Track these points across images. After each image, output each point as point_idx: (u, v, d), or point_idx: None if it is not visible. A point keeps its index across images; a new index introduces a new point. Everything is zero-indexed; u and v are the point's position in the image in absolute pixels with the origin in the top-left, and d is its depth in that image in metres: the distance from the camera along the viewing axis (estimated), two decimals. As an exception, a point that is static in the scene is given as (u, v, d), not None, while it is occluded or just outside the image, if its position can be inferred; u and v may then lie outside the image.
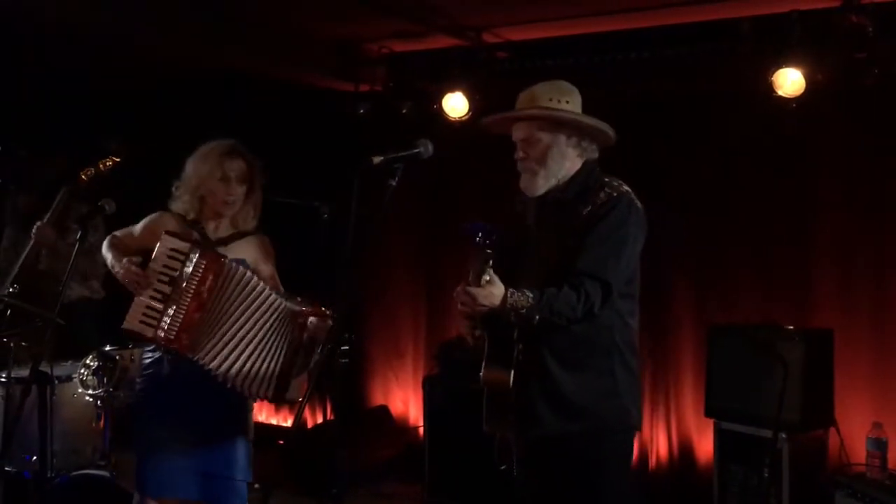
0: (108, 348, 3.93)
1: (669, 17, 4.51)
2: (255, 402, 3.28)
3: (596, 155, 2.77)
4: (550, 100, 2.66)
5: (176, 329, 3.03)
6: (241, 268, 3.10)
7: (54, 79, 5.13)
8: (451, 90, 5.01)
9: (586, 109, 2.79)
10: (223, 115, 5.73)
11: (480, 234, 2.37)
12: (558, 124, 2.68)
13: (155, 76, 5.50)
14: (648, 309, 4.98)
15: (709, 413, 4.43)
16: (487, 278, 2.41)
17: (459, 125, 5.00)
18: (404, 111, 5.27)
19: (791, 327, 4.31)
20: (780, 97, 4.23)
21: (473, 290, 2.43)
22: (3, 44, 4.63)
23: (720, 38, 4.43)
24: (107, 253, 3.23)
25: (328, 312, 3.05)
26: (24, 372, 3.65)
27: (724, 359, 4.35)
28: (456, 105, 5.02)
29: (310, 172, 5.53)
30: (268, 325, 3.07)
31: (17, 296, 3.90)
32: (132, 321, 3.06)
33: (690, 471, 4.92)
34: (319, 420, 5.86)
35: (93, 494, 3.64)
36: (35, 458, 3.83)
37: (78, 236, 3.26)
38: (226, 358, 3.05)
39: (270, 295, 3.08)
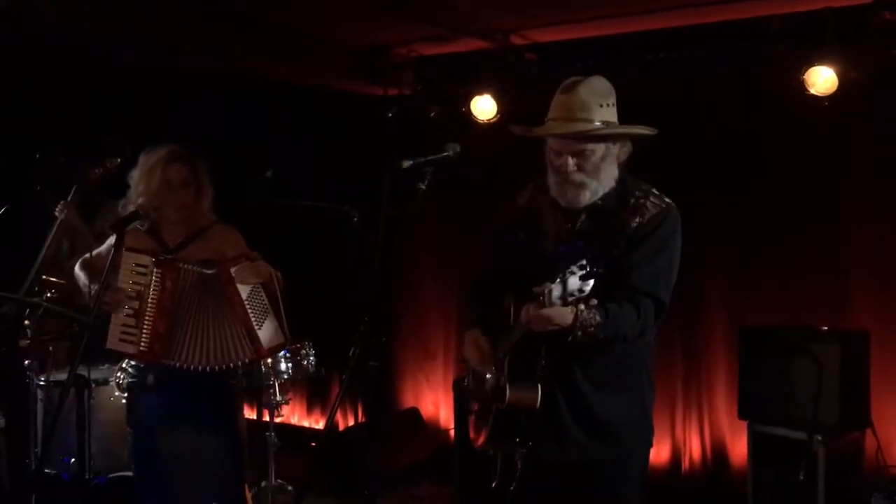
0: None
1: (699, 16, 4.48)
2: (242, 369, 3.34)
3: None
4: (601, 106, 2.51)
5: (148, 341, 3.13)
6: (197, 269, 3.16)
7: (85, 86, 5.23)
8: (480, 93, 5.01)
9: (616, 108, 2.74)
10: (252, 121, 5.80)
11: (585, 259, 2.24)
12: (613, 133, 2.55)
13: (183, 83, 5.57)
14: (681, 311, 4.99)
15: (742, 415, 4.38)
16: (594, 302, 2.31)
17: (488, 127, 5.00)
18: (433, 114, 5.28)
19: (826, 328, 4.26)
20: (813, 95, 4.19)
21: (549, 311, 2.34)
22: (42, 49, 4.74)
23: (751, 36, 4.38)
24: (79, 274, 3.31)
25: (243, 254, 3.18)
26: (62, 375, 3.73)
27: (757, 360, 4.30)
28: (484, 107, 5.03)
29: (339, 177, 5.56)
30: (208, 302, 3.16)
31: (55, 300, 3.97)
32: (113, 341, 3.19)
33: (724, 473, 4.87)
34: (351, 422, 5.89)
35: (130, 496, 3.69)
36: (73, 460, 3.90)
37: (114, 241, 3.31)
38: (195, 351, 3.15)
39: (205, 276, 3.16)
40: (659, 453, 5.10)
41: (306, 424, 6.40)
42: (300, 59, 5.23)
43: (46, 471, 3.93)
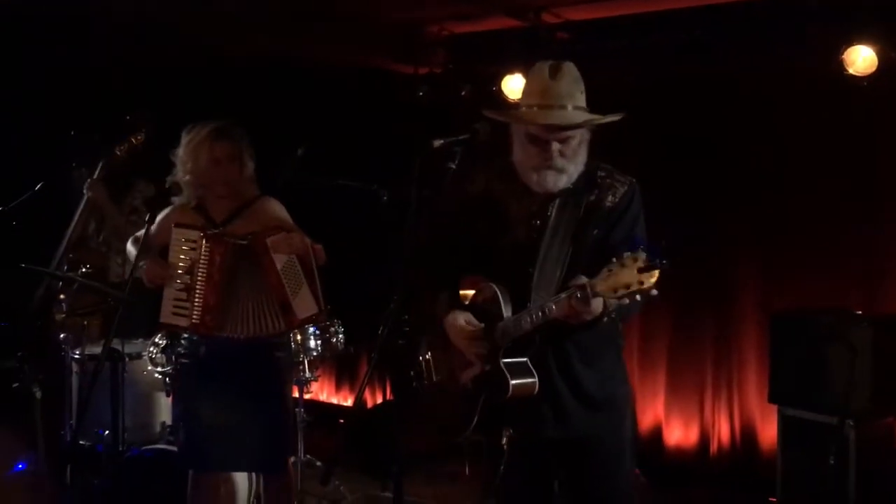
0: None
1: (735, -7, 4.41)
2: (277, 337, 3.40)
3: None
4: (580, 93, 2.56)
5: (199, 314, 3.21)
6: (238, 241, 3.23)
7: (122, 65, 5.29)
8: (511, 72, 4.98)
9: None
10: (282, 99, 5.81)
11: (644, 250, 2.19)
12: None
13: (218, 63, 5.59)
14: (712, 293, 4.96)
15: (773, 399, 4.35)
16: (654, 293, 2.23)
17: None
18: (463, 93, 5.26)
19: (860, 312, 4.20)
20: (852, 75, 4.11)
21: (595, 302, 2.34)
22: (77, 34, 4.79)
23: (788, 14, 4.30)
24: (131, 251, 3.39)
25: (279, 226, 3.24)
26: (97, 349, 3.79)
27: (788, 344, 4.26)
28: (515, 86, 4.99)
29: (369, 155, 5.57)
30: (247, 272, 3.23)
31: (89, 276, 4.03)
32: (166, 315, 3.28)
33: (753, 457, 4.84)
34: (379, 400, 5.94)
35: (161, 468, 3.76)
36: (107, 432, 3.97)
37: (147, 218, 3.36)
38: (237, 322, 3.23)
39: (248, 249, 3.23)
40: (687, 435, 5.08)
41: (335, 401, 6.47)
42: (331, 38, 5.22)
43: (81, 442, 4.01)
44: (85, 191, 4.25)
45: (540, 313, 2.45)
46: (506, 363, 2.53)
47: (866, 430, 3.97)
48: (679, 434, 5.11)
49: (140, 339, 4.20)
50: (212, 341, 3.28)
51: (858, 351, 3.80)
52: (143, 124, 4.22)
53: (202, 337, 3.30)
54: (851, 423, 3.90)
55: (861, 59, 4.07)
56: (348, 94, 5.91)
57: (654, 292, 2.24)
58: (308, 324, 3.81)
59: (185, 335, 3.38)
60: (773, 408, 4.35)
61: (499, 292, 2.58)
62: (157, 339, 4.03)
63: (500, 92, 5.03)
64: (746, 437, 4.89)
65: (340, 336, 4.48)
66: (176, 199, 3.37)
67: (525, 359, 2.53)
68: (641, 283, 2.22)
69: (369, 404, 5.90)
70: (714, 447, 5.01)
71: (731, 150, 4.84)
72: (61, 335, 4.12)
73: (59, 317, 4.08)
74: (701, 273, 4.82)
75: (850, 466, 3.91)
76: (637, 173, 2.66)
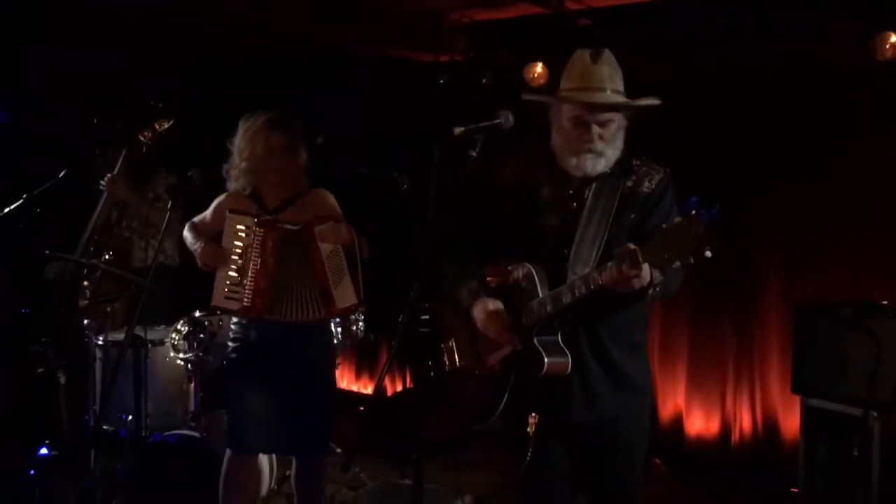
0: (197, 314, 4.07)
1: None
2: (318, 324, 3.44)
3: None
4: (620, 79, 2.58)
5: (251, 297, 3.28)
6: (294, 228, 3.30)
7: (145, 56, 5.32)
8: (533, 59, 4.95)
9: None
10: (303, 88, 5.81)
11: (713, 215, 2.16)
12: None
13: (237, 53, 5.60)
14: (735, 284, 4.91)
15: (795, 389, 4.31)
16: (708, 254, 2.19)
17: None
18: (484, 81, 5.24)
19: (885, 303, 4.15)
20: (880, 62, 4.04)
21: (647, 269, 2.33)
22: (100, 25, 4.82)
23: (815, 1, 4.24)
24: (187, 235, 3.45)
25: (328, 215, 3.31)
26: (120, 335, 3.83)
27: (812, 334, 4.21)
28: (536, 74, 4.97)
29: (389, 143, 5.56)
30: (294, 259, 3.30)
31: (112, 263, 4.07)
32: (218, 298, 3.34)
33: (775, 448, 4.82)
34: (399, 388, 5.95)
35: (184, 453, 3.80)
36: (130, 417, 4.01)
37: (169, 206, 3.38)
38: (283, 307, 3.29)
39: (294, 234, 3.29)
40: (708, 426, 5.06)
41: (355, 389, 6.49)
42: (351, 25, 5.21)
43: (104, 427, 4.06)
44: (103, 187, 4.27)
45: (583, 286, 2.45)
46: (540, 340, 2.54)
47: (891, 421, 3.92)
48: (700, 424, 5.09)
49: (162, 326, 4.23)
50: (261, 325, 3.34)
51: (883, 342, 3.75)
52: (168, 111, 4.24)
53: (251, 321, 3.35)
54: (875, 415, 3.86)
55: (889, 45, 4.01)
56: (369, 81, 5.90)
57: (709, 254, 2.20)
58: (346, 314, 3.89)
59: (235, 320, 3.43)
60: (796, 398, 4.31)
61: (534, 271, 2.60)
62: (179, 326, 4.06)
63: (522, 80, 5.00)
64: (768, 427, 4.86)
65: (360, 324, 4.49)
66: (230, 187, 3.44)
67: (556, 337, 2.54)
68: (695, 244, 2.18)
69: (389, 392, 5.92)
70: (736, 437, 4.98)
71: (754, 140, 4.78)
72: (85, 321, 4.16)
73: (83, 303, 4.12)
74: (723, 263, 4.77)
75: (874, 458, 3.87)
76: (659, 163, 2.66)
